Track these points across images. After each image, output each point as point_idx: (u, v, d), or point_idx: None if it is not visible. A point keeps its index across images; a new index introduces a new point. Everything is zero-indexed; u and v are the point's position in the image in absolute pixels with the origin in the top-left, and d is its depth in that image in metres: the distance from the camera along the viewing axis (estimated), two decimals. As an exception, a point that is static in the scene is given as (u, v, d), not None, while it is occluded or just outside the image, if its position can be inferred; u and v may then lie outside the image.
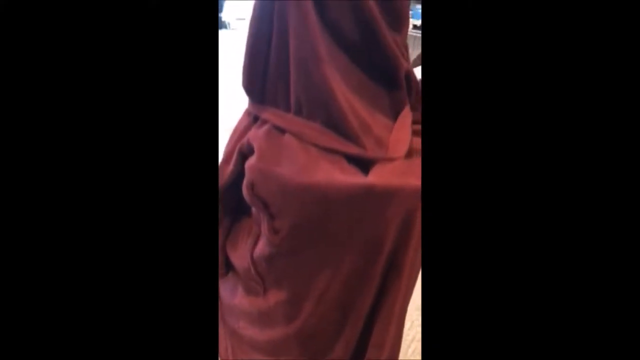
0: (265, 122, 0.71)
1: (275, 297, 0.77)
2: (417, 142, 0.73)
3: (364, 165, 0.66)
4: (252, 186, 0.66)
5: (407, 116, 0.75)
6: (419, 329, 1.63)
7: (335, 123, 0.66)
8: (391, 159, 0.66)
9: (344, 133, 0.66)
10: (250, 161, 0.67)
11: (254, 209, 0.75)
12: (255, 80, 0.70)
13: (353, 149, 0.65)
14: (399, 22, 0.73)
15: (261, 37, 0.67)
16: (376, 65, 0.71)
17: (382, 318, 0.77)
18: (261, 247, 0.72)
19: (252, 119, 0.74)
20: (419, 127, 0.77)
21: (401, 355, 0.93)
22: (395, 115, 0.75)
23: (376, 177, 0.62)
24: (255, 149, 0.67)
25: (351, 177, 0.62)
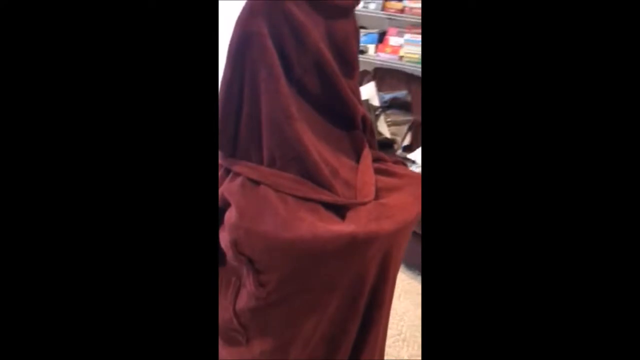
0: (237, 175, 0.73)
1: (260, 346, 0.77)
2: (380, 180, 0.78)
3: (339, 209, 0.69)
4: (235, 245, 0.67)
5: (367, 157, 0.81)
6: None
7: (309, 173, 0.69)
8: (363, 203, 0.70)
9: (318, 182, 0.69)
10: (231, 219, 0.67)
11: (229, 259, 0.76)
12: (227, 136, 0.73)
13: (328, 197, 0.69)
14: (351, 69, 0.79)
15: (232, 98, 0.70)
16: (336, 112, 0.77)
17: (368, 349, 0.80)
18: (245, 300, 0.73)
19: (223, 171, 0.76)
20: (377, 165, 0.83)
21: None
22: (356, 155, 0.81)
23: (355, 224, 0.66)
24: (234, 206, 0.68)
25: (332, 226, 0.65)
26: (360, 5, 2.48)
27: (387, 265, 0.72)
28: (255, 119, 0.70)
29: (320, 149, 0.72)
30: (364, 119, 0.83)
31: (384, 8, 2.48)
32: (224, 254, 0.74)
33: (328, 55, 0.71)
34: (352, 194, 0.72)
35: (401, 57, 2.52)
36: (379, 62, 2.63)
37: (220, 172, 0.76)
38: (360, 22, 2.73)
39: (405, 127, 2.05)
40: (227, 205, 0.71)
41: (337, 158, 0.76)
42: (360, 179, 0.75)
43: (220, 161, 0.77)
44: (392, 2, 2.45)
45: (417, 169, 1.80)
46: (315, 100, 0.73)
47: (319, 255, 0.65)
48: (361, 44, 2.61)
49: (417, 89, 2.09)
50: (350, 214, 0.68)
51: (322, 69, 0.71)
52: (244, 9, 0.68)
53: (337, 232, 0.64)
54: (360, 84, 2.15)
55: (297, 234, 0.64)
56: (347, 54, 0.78)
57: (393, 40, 2.53)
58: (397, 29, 2.55)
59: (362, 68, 2.64)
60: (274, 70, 0.66)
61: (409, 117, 2.07)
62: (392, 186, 0.78)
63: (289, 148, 0.69)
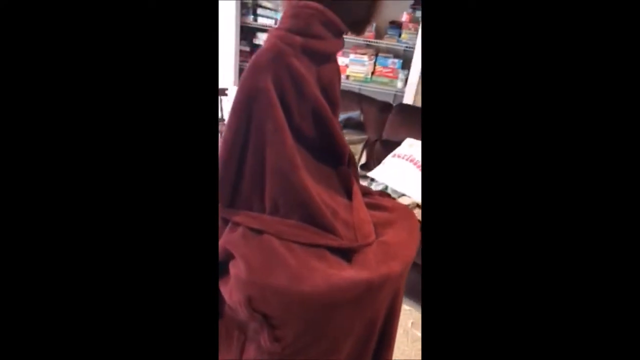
0: (237, 225, 0.71)
1: None
2: (373, 215, 0.80)
3: (345, 252, 0.70)
4: (249, 302, 0.64)
5: (358, 193, 0.83)
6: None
7: (313, 218, 0.70)
8: (368, 244, 0.71)
9: (321, 226, 0.70)
10: (240, 275, 0.65)
11: (227, 310, 0.73)
12: (227, 188, 0.72)
13: (333, 241, 0.70)
14: (335, 108, 0.82)
15: (235, 152, 0.71)
16: (328, 152, 0.78)
17: None
18: (253, 354, 0.70)
19: (221, 221, 0.75)
20: (367, 199, 0.85)
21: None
22: (346, 191, 0.83)
23: (367, 269, 0.67)
24: (240, 259, 0.67)
25: (345, 273, 0.65)
26: (305, 27, 2.51)
27: (395, 305, 0.74)
28: (259, 170, 0.70)
29: (319, 192, 0.73)
30: (350, 155, 0.85)
31: (328, 29, 2.52)
32: (222, 306, 0.72)
33: (324, 102, 0.73)
34: (352, 234, 0.73)
35: (348, 77, 2.59)
36: (326, 82, 2.66)
37: (220, 223, 0.74)
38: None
39: (360, 146, 2.10)
40: (229, 257, 0.69)
41: (332, 198, 0.77)
42: (356, 217, 0.77)
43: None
44: (336, 24, 2.50)
45: (377, 186, 1.84)
46: (310, 144, 0.75)
47: (336, 305, 0.65)
48: (308, 65, 2.64)
49: (368, 107, 2.14)
50: (357, 257, 0.69)
51: (319, 115, 0.73)
52: (250, 66, 0.69)
53: (352, 280, 0.65)
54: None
55: (312, 286, 0.63)
56: (332, 94, 0.80)
57: (339, 60, 2.59)
58: (342, 50, 2.61)
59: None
60: (279, 123, 0.68)
61: (364, 136, 2.11)
62: (385, 221, 0.80)
63: (294, 195, 0.69)
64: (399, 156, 1.88)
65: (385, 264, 0.69)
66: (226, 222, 0.74)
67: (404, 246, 0.74)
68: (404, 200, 1.74)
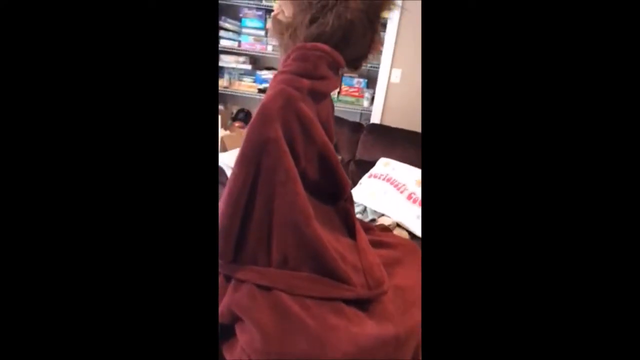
0: (241, 282, 0.68)
1: None
2: (380, 255, 0.79)
3: (361, 302, 0.68)
4: None
5: (361, 232, 0.81)
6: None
7: (326, 269, 0.67)
8: (384, 292, 0.70)
9: (334, 276, 0.67)
10: (254, 344, 0.61)
11: None
12: (230, 244, 0.68)
13: (349, 292, 0.67)
14: (332, 141, 0.81)
15: (240, 207, 0.67)
16: (328, 190, 0.77)
17: None
18: None
19: (223, 279, 0.70)
20: (370, 237, 0.84)
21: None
22: (347, 229, 0.81)
23: (391, 322, 0.65)
24: (252, 325, 0.62)
25: (370, 330, 0.63)
26: (270, 48, 2.50)
27: (418, 351, 0.72)
28: (266, 223, 0.67)
29: (328, 238, 0.70)
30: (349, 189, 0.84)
31: (293, 50, 2.53)
32: None
33: (329, 143, 0.72)
34: (362, 280, 0.71)
35: (315, 97, 2.60)
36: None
37: (221, 280, 0.70)
38: (271, 64, 2.76)
39: (335, 167, 2.10)
40: (235, 320, 0.65)
41: (337, 240, 0.74)
42: (365, 260, 0.74)
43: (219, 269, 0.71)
44: (301, 45, 2.52)
45: (356, 207, 1.85)
46: (314, 186, 0.73)
47: None
48: (274, 86, 2.62)
49: (340, 128, 2.15)
50: (375, 308, 0.67)
51: (324, 157, 0.72)
52: (259, 115, 0.66)
53: (379, 338, 0.62)
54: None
55: (340, 352, 0.59)
56: (329, 130, 0.81)
57: (305, 80, 2.59)
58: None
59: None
60: (291, 173, 0.65)
61: (338, 157, 2.12)
62: (392, 260, 0.79)
63: (305, 247, 0.66)
64: (375, 176, 1.89)
65: (407, 314, 0.67)
66: (229, 279, 0.69)
67: (419, 288, 0.73)
68: (384, 221, 1.75)
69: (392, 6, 0.75)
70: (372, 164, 1.99)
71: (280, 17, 0.78)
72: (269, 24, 2.47)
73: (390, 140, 2.05)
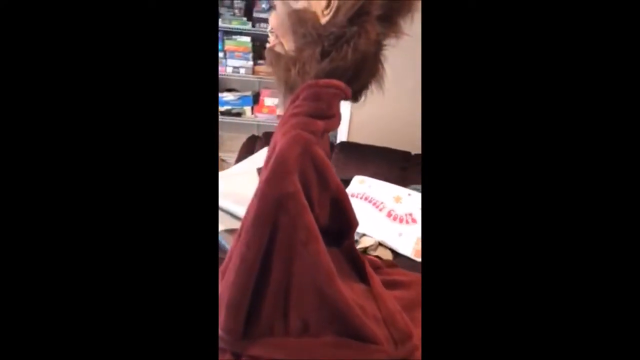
0: (254, 359, 0.60)
1: None
2: (396, 296, 0.73)
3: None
4: None
5: (374, 276, 0.75)
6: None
7: (350, 330, 0.61)
8: (417, 348, 0.64)
9: (361, 337, 0.61)
10: None
11: None
12: (241, 315, 0.60)
13: (379, 353, 0.61)
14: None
15: (253, 272, 0.60)
16: (336, 232, 0.71)
17: None
18: None
19: (232, 358, 0.61)
20: (381, 277, 0.78)
21: None
22: (358, 273, 0.74)
23: None
24: None
25: None
26: (230, 70, 2.44)
27: None
28: (284, 288, 0.60)
29: (349, 295, 0.64)
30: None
31: (254, 72, 2.49)
32: None
33: (342, 187, 0.67)
34: (384, 332, 0.65)
35: (279, 117, 2.55)
36: (257, 123, 2.61)
37: None
38: (231, 85, 2.69)
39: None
40: None
41: (352, 288, 0.68)
42: (384, 308, 0.68)
43: (223, 346, 0.62)
44: (262, 66, 2.48)
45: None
46: (323, 231, 0.66)
47: None
48: (238, 107, 2.56)
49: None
50: None
51: (338, 201, 0.66)
52: (275, 166, 0.58)
53: None
54: (253, 151, 2.09)
55: None
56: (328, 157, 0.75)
57: (268, 101, 2.55)
58: (270, 90, 2.58)
59: (242, 130, 2.60)
60: (312, 232, 0.59)
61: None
62: (410, 302, 0.73)
63: (330, 309, 0.60)
64: (352, 195, 1.87)
65: None
66: (238, 357, 0.61)
67: None
68: (365, 241, 1.72)
69: (398, 35, 0.72)
70: (347, 182, 1.96)
71: (278, 49, 0.71)
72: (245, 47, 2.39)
73: (361, 157, 2.04)
